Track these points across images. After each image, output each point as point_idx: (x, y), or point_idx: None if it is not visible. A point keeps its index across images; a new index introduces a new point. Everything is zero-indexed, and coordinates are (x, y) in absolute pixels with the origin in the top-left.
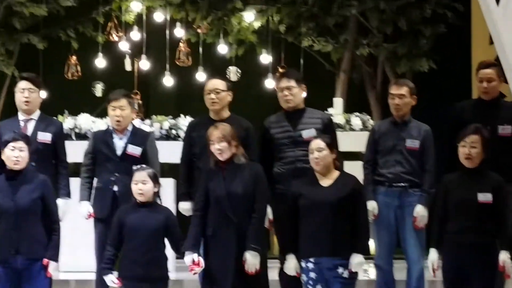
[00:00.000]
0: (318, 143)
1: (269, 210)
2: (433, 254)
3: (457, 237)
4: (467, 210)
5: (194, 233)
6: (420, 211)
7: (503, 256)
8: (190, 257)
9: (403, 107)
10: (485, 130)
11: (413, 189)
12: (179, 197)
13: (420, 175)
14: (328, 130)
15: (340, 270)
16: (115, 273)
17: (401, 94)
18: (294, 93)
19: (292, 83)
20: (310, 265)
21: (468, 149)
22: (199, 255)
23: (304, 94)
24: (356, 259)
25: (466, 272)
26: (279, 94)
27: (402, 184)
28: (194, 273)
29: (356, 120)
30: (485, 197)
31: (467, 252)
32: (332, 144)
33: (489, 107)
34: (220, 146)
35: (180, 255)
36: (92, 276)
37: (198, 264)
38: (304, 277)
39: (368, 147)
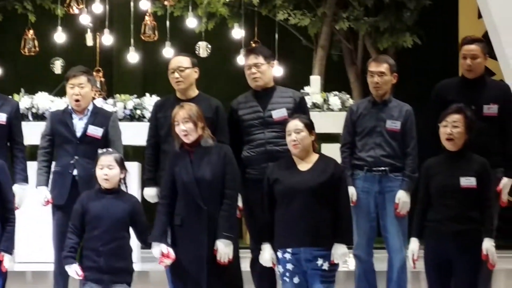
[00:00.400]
0: (296, 124)
1: (238, 197)
2: (414, 244)
3: (439, 226)
4: (449, 196)
5: (161, 223)
6: (402, 197)
7: (487, 244)
8: (158, 248)
9: (382, 86)
10: (468, 110)
11: (394, 174)
12: (144, 183)
13: (402, 159)
14: (301, 110)
15: (320, 261)
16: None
17: (380, 72)
18: (262, 70)
19: (260, 59)
20: (288, 256)
21: (450, 129)
22: (167, 245)
23: (273, 72)
24: (339, 250)
25: (449, 262)
26: (246, 72)
27: (383, 168)
28: (165, 266)
29: (334, 99)
30: (468, 181)
31: (450, 241)
32: (311, 125)
33: (474, 86)
34: (185, 127)
35: (146, 245)
36: (50, 268)
37: (167, 256)
38: (280, 269)
39: (346, 128)
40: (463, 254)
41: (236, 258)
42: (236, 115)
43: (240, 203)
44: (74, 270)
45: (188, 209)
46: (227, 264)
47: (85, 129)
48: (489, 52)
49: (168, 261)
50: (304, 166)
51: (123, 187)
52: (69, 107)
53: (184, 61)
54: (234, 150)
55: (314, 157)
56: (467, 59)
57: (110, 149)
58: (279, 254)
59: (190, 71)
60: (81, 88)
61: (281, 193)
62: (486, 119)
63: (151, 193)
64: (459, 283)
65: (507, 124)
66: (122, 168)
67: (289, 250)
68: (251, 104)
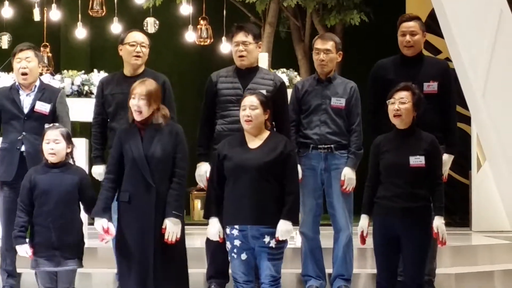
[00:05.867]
0: (251, 100)
1: (207, 169)
2: (364, 221)
3: (388, 202)
4: (398, 175)
5: (104, 197)
6: (348, 174)
7: (437, 221)
8: (99, 223)
9: (328, 63)
10: (416, 87)
11: (340, 151)
12: (92, 161)
13: (347, 136)
14: (279, 94)
15: (267, 239)
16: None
17: (326, 49)
18: (250, 49)
19: (250, 38)
20: (235, 232)
21: (397, 105)
22: (109, 221)
23: (259, 52)
24: (284, 227)
25: (397, 238)
26: (233, 49)
27: (328, 145)
28: (105, 242)
29: (282, 76)
30: (417, 160)
31: (398, 218)
32: (266, 103)
33: (413, 64)
34: (139, 103)
35: (92, 219)
36: None
37: (107, 231)
38: (228, 245)
39: (291, 106)
40: (411, 230)
41: (182, 236)
42: (215, 88)
43: (208, 175)
44: (24, 250)
45: (137, 186)
46: (174, 243)
47: (33, 105)
48: (435, 30)
49: (108, 237)
50: (254, 143)
51: (71, 161)
52: (16, 84)
53: (147, 40)
54: (209, 124)
55: (265, 134)
56: (406, 36)
57: (56, 124)
58: (227, 230)
59: (148, 51)
60: (28, 62)
61: (229, 170)
62: (426, 96)
63: (99, 171)
64: (407, 259)
65: (446, 101)
66: (69, 142)
67: (236, 226)
68: (232, 80)
